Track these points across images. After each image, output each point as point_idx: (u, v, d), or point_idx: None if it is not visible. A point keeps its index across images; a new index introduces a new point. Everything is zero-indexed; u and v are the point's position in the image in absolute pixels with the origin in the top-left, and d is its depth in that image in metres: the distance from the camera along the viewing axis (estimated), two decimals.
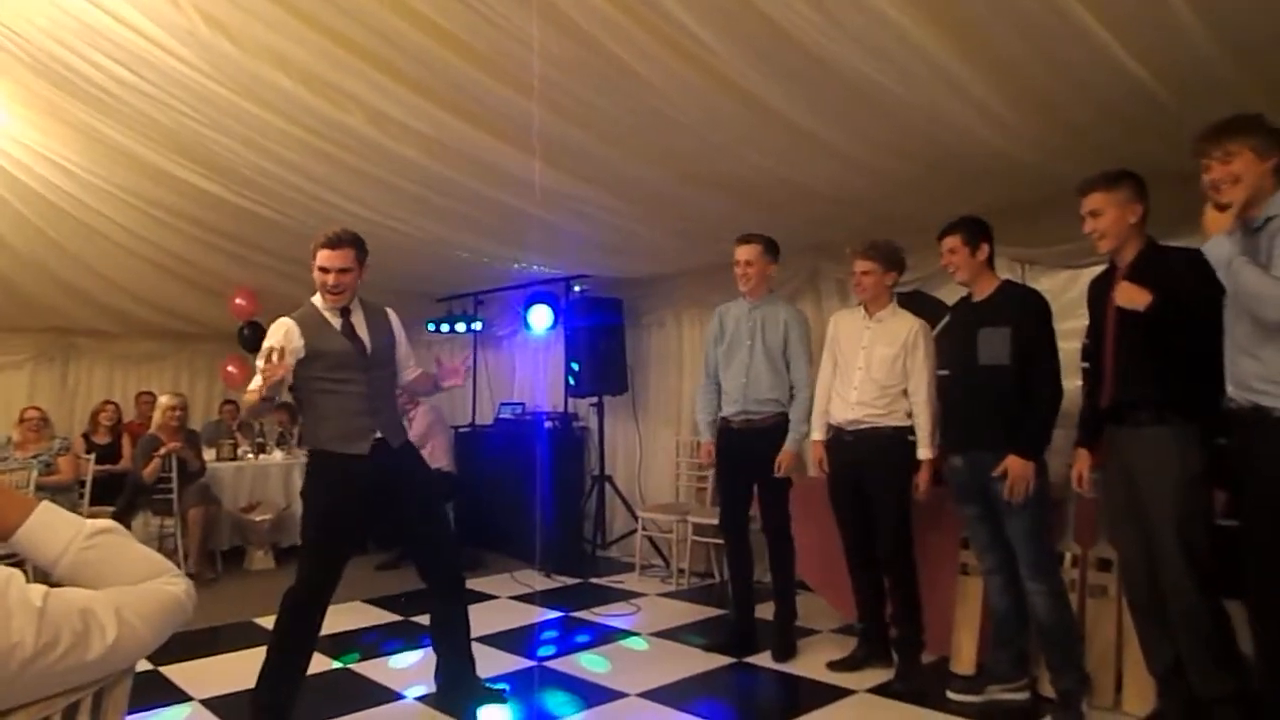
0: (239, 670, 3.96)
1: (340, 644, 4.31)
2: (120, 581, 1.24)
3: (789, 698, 3.68)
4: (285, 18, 3.03)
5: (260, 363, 3.07)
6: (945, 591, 3.87)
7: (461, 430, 7.44)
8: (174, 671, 3.92)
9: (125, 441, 6.81)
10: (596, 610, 5.03)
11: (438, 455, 6.43)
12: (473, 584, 5.69)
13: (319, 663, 3.89)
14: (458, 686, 3.55)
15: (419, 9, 2.86)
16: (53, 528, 1.26)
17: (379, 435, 3.29)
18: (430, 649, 3.62)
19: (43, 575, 1.26)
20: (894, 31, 2.72)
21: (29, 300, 7.21)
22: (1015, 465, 3.18)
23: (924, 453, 3.65)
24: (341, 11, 2.95)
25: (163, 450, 5.88)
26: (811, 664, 3.95)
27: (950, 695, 3.47)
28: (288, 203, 4.87)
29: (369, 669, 4.00)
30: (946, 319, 3.80)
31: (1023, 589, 3.31)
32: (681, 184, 4.28)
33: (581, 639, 4.50)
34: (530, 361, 7.61)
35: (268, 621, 4.75)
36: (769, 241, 4.12)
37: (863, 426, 3.74)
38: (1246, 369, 2.47)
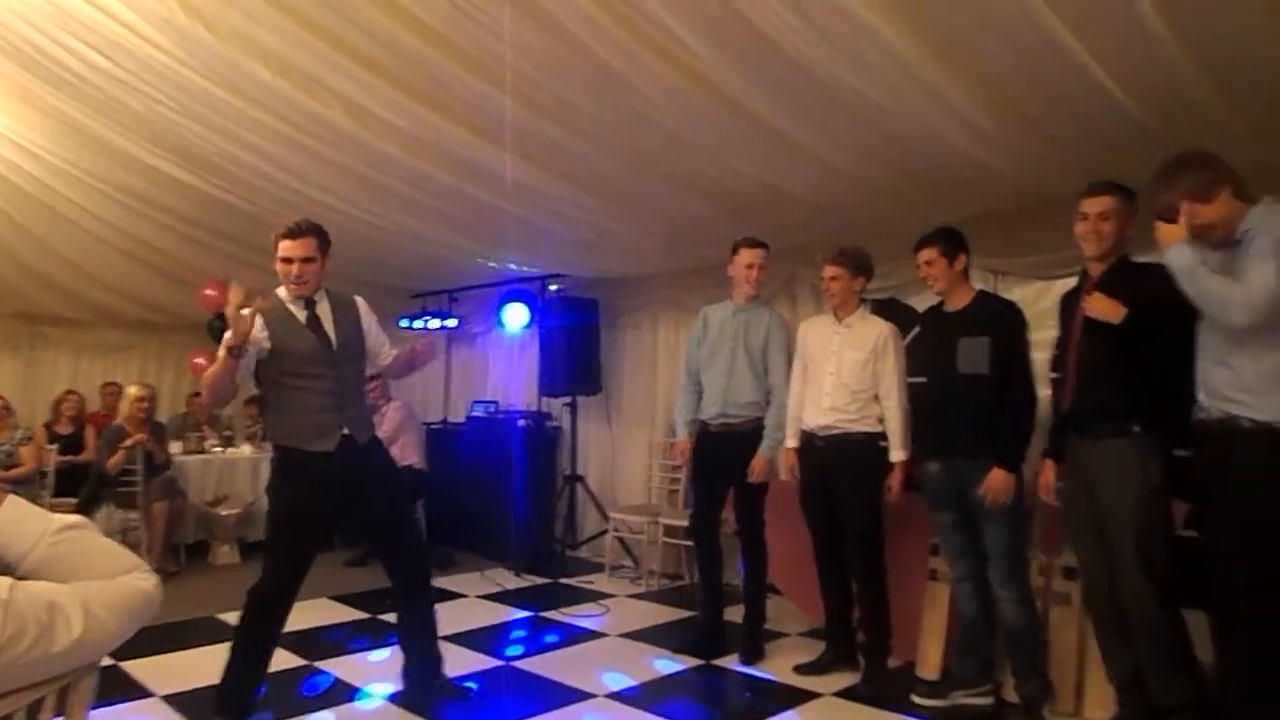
0: (202, 666, 3.91)
1: (307, 641, 4.27)
2: (88, 576, 1.23)
3: (756, 700, 3.70)
4: (264, 8, 3.01)
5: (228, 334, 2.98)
6: (913, 597, 3.91)
7: (433, 427, 7.40)
8: (136, 667, 3.87)
9: (89, 432, 6.71)
10: (566, 610, 5.02)
11: (408, 452, 6.39)
12: (442, 582, 5.69)
13: (285, 660, 3.87)
14: (425, 685, 3.53)
15: (399, 3, 2.84)
16: (20, 522, 1.24)
17: (345, 432, 3.24)
18: (397, 647, 3.60)
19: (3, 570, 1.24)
20: (877, 41, 2.75)
21: None
22: (997, 477, 3.22)
23: (896, 455, 3.68)
24: (321, 3, 2.93)
25: (128, 442, 5.80)
26: (779, 667, 3.97)
27: (915, 699, 3.50)
28: (262, 194, 4.82)
29: (335, 666, 3.97)
30: (918, 328, 3.83)
31: (991, 596, 3.35)
32: (660, 185, 4.29)
33: (550, 639, 4.49)
34: (504, 360, 7.59)
35: (232, 617, 4.67)
36: (766, 247, 4.15)
37: (834, 432, 3.77)
38: (1219, 378, 2.51)
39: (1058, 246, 4.07)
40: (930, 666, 3.78)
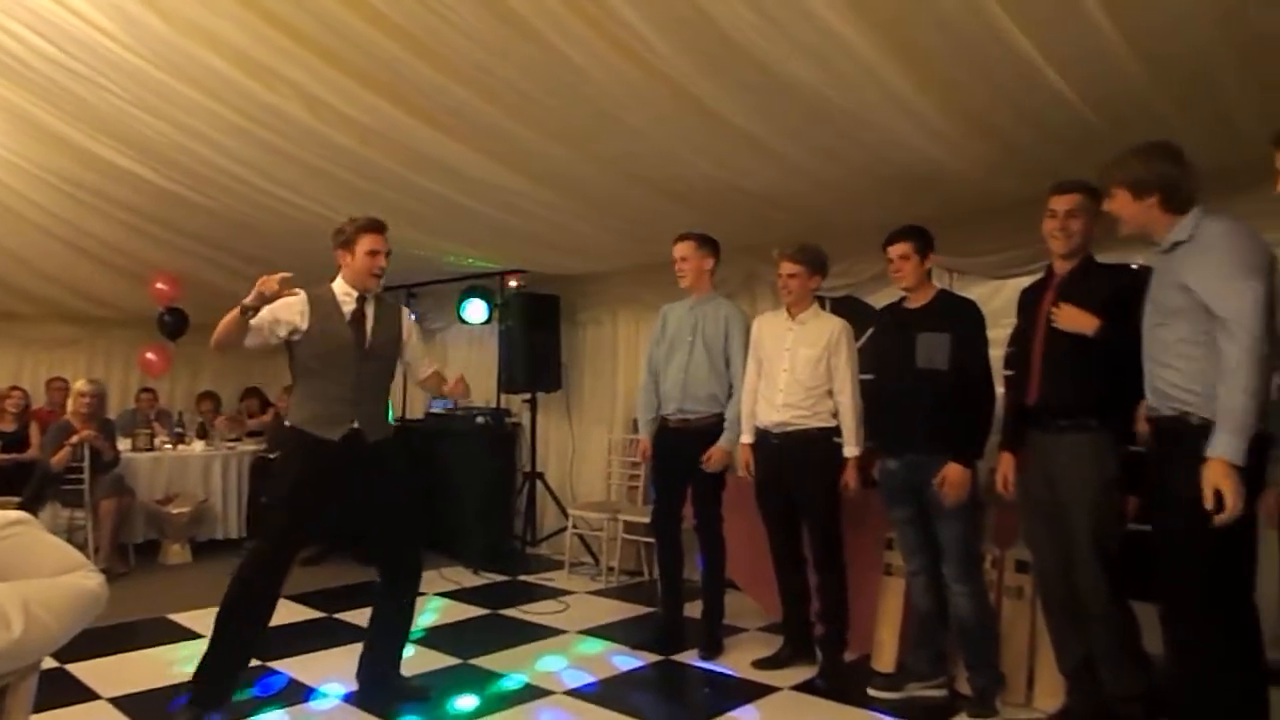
0: (150, 668, 3.85)
1: (261, 641, 4.19)
2: (31, 575, 1.20)
3: (715, 695, 3.71)
4: None
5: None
6: (869, 591, 3.95)
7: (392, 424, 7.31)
8: (82, 669, 3.77)
9: (33, 429, 6.52)
10: (525, 608, 5.00)
11: None
12: None
13: None
14: (381, 685, 3.50)
15: None
16: None
17: (355, 426, 3.29)
18: (355, 646, 3.56)
19: None
20: (839, 43, 2.78)
21: None
22: (954, 472, 3.26)
23: (850, 450, 3.72)
24: None
25: (75, 438, 5.65)
26: (738, 661, 3.99)
27: (871, 692, 3.55)
28: (216, 186, 4.73)
29: (290, 666, 3.91)
30: (873, 328, 3.87)
31: (945, 590, 3.41)
32: (622, 182, 4.29)
33: (509, 636, 4.47)
34: (463, 356, 7.53)
35: (183, 617, 4.63)
36: (703, 237, 4.15)
37: (789, 429, 3.80)
38: (1165, 378, 2.57)
39: (1012, 247, 4.15)
40: (886, 660, 3.83)
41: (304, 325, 3.26)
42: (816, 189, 4.19)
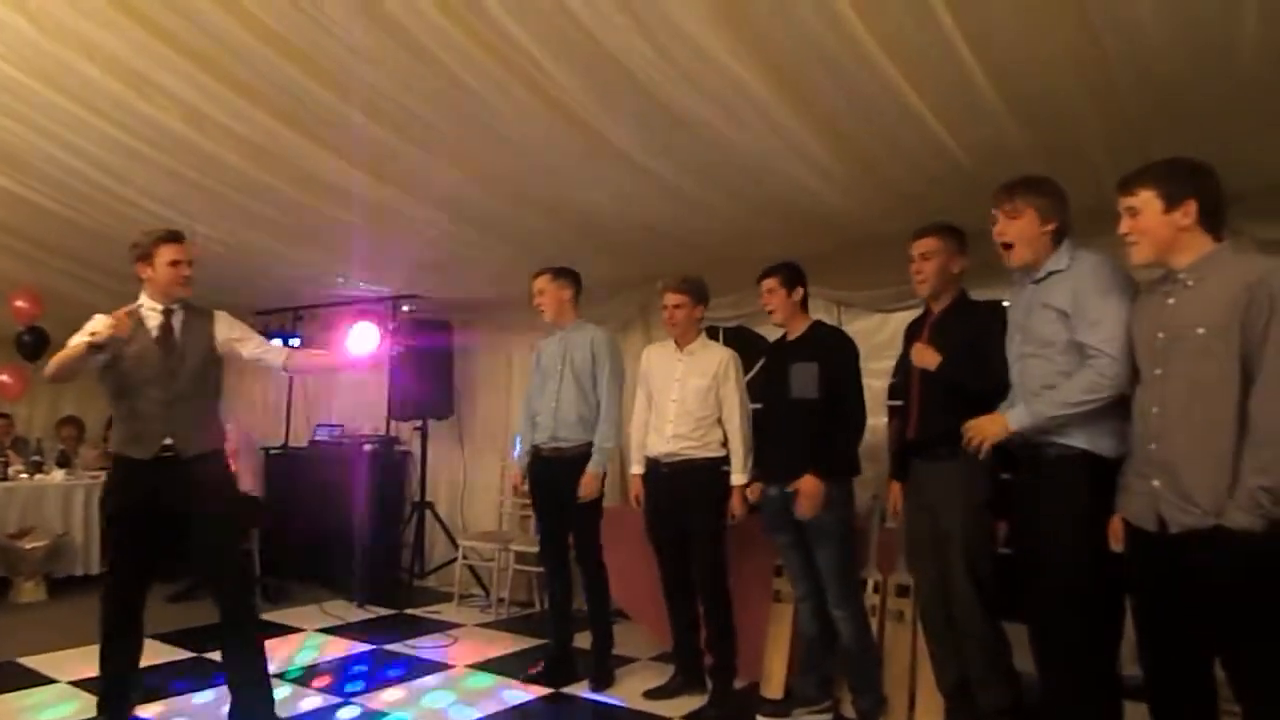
0: (4, 715, 3.56)
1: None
2: None
3: None
4: (94, 1, 2.80)
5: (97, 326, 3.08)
6: (758, 618, 4.01)
7: (273, 452, 7.02)
8: None
9: None
10: (411, 643, 4.86)
11: (244, 478, 6.03)
12: (277, 616, 5.40)
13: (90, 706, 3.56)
14: None
15: (245, 5, 2.70)
16: None
17: (168, 442, 3.24)
18: (225, 687, 3.38)
19: None
20: (726, 76, 2.85)
21: None
22: (807, 483, 3.36)
23: (737, 478, 3.79)
24: (159, 1, 2.75)
25: None
26: (629, 692, 3.97)
27: (760, 719, 3.58)
28: (87, 201, 4.47)
29: (157, 711, 3.67)
30: (764, 358, 3.97)
31: (829, 615, 3.48)
32: (515, 208, 4.27)
33: (393, 673, 4.32)
34: (351, 381, 7.30)
35: (35, 661, 4.30)
36: (558, 270, 4.21)
37: (678, 459, 3.84)
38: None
39: (898, 282, 4.32)
40: (775, 686, 3.88)
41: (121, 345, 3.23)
42: (708, 221, 4.27)
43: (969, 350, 2.96)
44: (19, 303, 6.40)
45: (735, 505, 3.78)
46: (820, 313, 4.15)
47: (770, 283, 3.62)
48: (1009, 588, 2.94)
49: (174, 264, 3.32)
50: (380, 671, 4.35)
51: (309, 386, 7.56)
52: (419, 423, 6.52)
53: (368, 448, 6.52)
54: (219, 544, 3.37)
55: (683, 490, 3.82)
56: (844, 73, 2.78)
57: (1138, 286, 2.55)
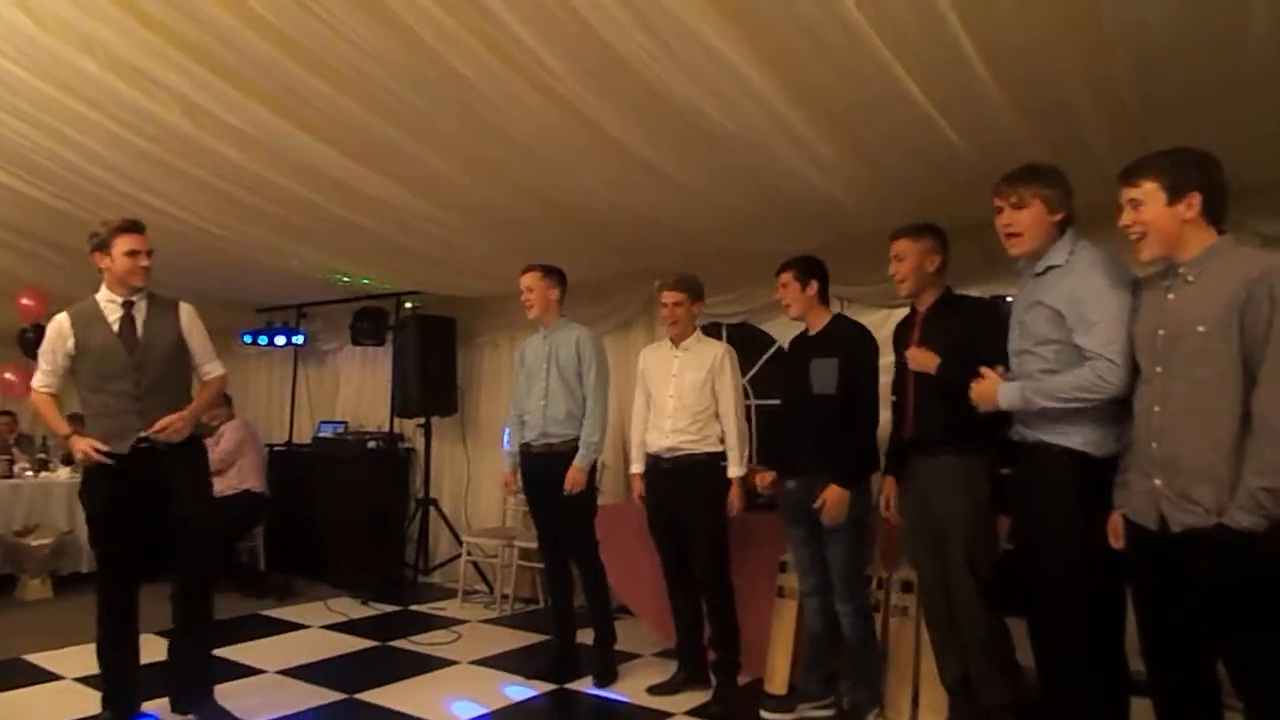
0: (11, 713, 3.57)
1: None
2: None
3: None
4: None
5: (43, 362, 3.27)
6: (762, 614, 4.00)
7: (277, 449, 7.04)
8: None
9: None
10: (415, 639, 4.86)
11: (248, 475, 6.05)
12: (282, 613, 5.41)
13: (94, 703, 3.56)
14: (189, 704, 3.50)
15: (248, 2, 2.70)
16: None
17: (143, 434, 3.26)
18: (226, 685, 3.44)
19: None
20: (728, 69, 2.83)
21: None
22: (832, 494, 3.34)
23: (734, 470, 3.79)
24: None
25: None
26: (632, 688, 3.97)
27: (763, 714, 3.58)
28: (89, 197, 4.46)
29: (160, 707, 3.67)
30: (776, 345, 3.96)
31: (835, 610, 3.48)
32: (518, 203, 4.26)
33: (398, 669, 4.32)
34: (356, 379, 7.32)
35: (41, 658, 4.31)
36: (548, 268, 4.21)
37: (679, 453, 3.84)
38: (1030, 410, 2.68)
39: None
40: (778, 682, 3.87)
41: (70, 344, 3.29)
42: (712, 215, 4.26)
43: (960, 350, 2.94)
44: (25, 300, 6.43)
45: (733, 498, 3.78)
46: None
47: (785, 277, 3.61)
48: (1012, 583, 2.92)
49: (131, 254, 3.31)
50: (384, 667, 4.35)
51: (312, 383, 7.57)
52: (422, 419, 6.52)
53: (371, 445, 6.53)
54: (195, 529, 3.39)
55: (683, 485, 3.82)
56: (843, 63, 2.76)
57: (1137, 281, 2.51)
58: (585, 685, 4.03)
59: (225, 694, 3.66)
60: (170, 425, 3.29)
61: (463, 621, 5.29)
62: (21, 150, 4.00)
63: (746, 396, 4.66)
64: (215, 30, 2.87)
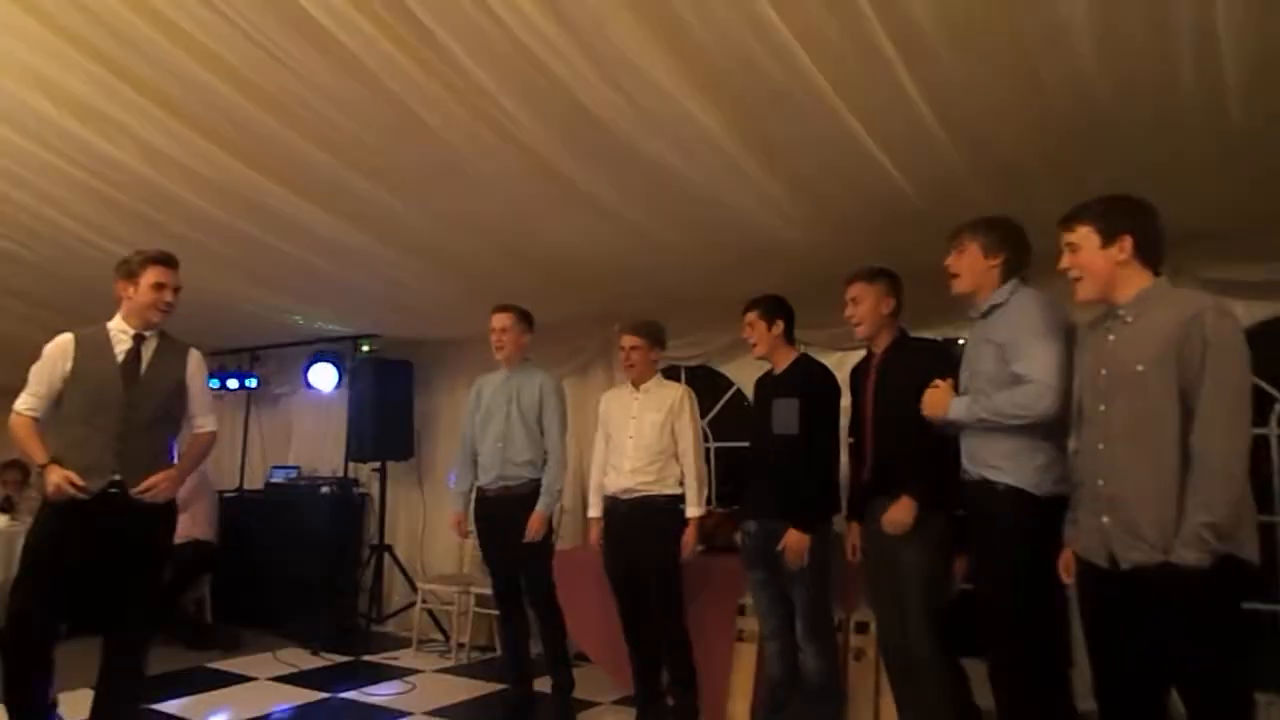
0: None
1: None
2: None
3: None
4: (49, 37, 2.76)
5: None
6: (720, 658, 3.96)
7: (228, 495, 6.87)
8: None
9: None
10: (368, 690, 4.73)
11: (199, 522, 5.90)
12: (229, 665, 5.24)
13: None
14: None
15: (201, 40, 2.68)
16: None
17: (117, 477, 3.12)
18: None
19: None
20: (682, 114, 2.88)
21: None
22: (792, 538, 3.34)
23: (692, 511, 3.79)
24: (115, 37, 2.72)
25: None
26: None
27: None
28: (38, 239, 4.39)
29: None
30: (725, 398, 3.99)
31: (797, 653, 3.46)
32: (476, 246, 4.27)
33: None
34: (309, 423, 7.19)
35: None
36: (522, 311, 4.23)
37: (636, 494, 3.84)
38: (977, 447, 2.79)
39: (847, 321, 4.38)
40: None
41: (68, 366, 3.15)
42: (669, 260, 4.31)
43: (917, 391, 2.99)
44: None
45: (689, 539, 3.77)
46: None
47: (750, 315, 3.65)
48: (969, 624, 2.95)
49: (158, 286, 3.24)
50: None
51: (265, 427, 7.43)
52: (377, 464, 6.42)
53: (325, 490, 6.41)
54: (145, 591, 3.25)
55: (640, 526, 3.81)
56: (800, 114, 2.84)
57: (1074, 325, 2.66)
58: None
59: None
60: (157, 486, 3.17)
61: (417, 671, 5.17)
62: None
63: (706, 439, 4.67)
64: (175, 72, 2.86)
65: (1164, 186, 2.67)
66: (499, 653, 5.49)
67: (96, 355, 3.18)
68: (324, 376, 6.56)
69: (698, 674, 3.81)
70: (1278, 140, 2.83)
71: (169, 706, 4.25)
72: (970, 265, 2.88)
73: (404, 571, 6.28)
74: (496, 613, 5.24)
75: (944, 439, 2.93)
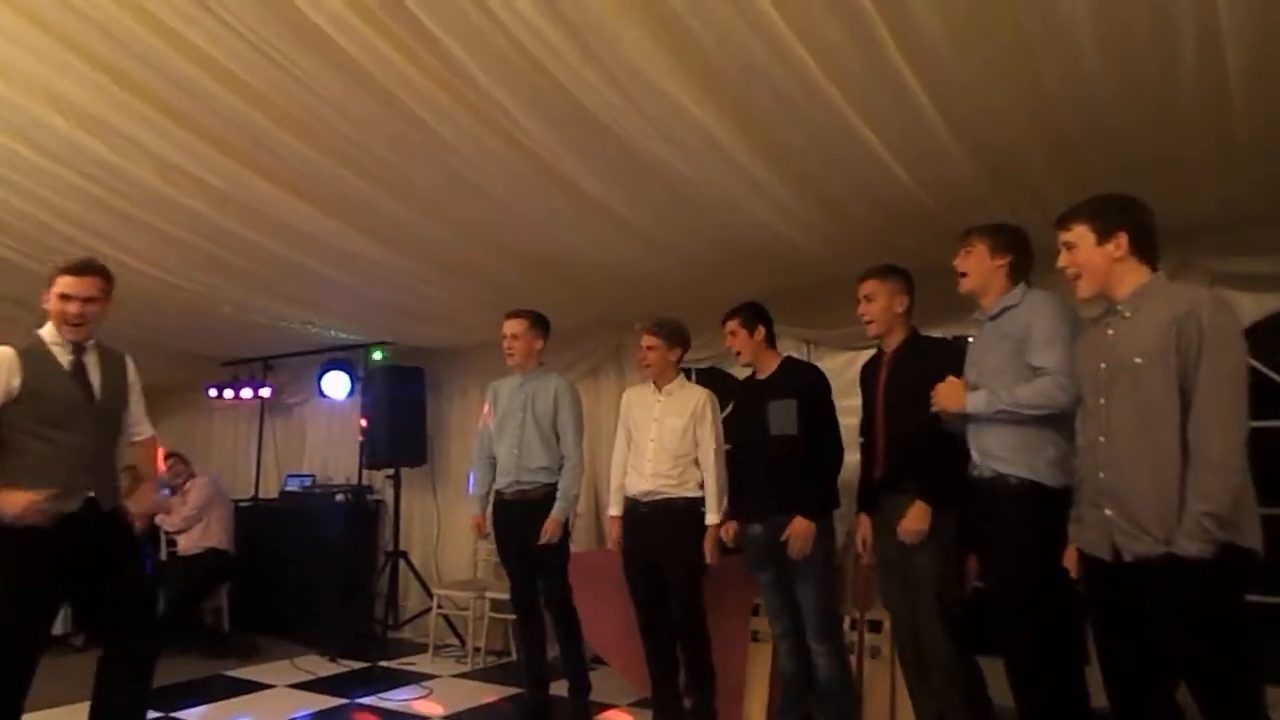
0: None
1: None
2: None
3: None
4: (60, 52, 2.80)
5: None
6: (736, 659, 3.98)
7: (243, 505, 6.91)
8: None
9: None
10: (385, 695, 4.76)
11: (214, 532, 5.95)
12: (247, 673, 5.27)
13: None
14: None
15: (212, 55, 2.73)
16: None
17: (91, 495, 2.98)
18: None
19: None
20: (696, 127, 2.94)
21: None
22: (798, 525, 3.38)
23: (712, 518, 3.78)
24: (125, 50, 2.76)
25: None
26: None
27: None
28: (55, 253, 4.34)
29: None
30: (733, 402, 3.99)
31: (809, 652, 3.47)
32: (486, 253, 4.31)
33: None
34: (323, 431, 7.25)
35: None
36: (536, 316, 4.23)
37: (657, 498, 3.84)
38: (988, 440, 2.80)
39: (859, 320, 4.40)
40: None
41: (15, 384, 2.89)
42: (677, 263, 4.34)
43: (928, 389, 3.00)
44: None
45: (709, 546, 3.76)
46: (791, 351, 4.20)
47: (731, 325, 3.69)
48: (983, 621, 2.95)
49: (63, 298, 2.98)
50: None
51: (279, 436, 7.49)
52: (391, 471, 6.47)
53: (340, 498, 6.45)
54: (134, 594, 3.17)
55: (661, 529, 3.80)
56: (804, 116, 2.87)
57: (1083, 322, 2.67)
58: None
59: None
60: (155, 507, 3.08)
61: (435, 676, 5.20)
62: None
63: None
64: (184, 84, 2.91)
65: (1169, 186, 2.69)
66: (514, 657, 5.53)
67: (44, 372, 2.97)
68: (337, 385, 6.61)
69: (715, 674, 3.82)
70: None
71: (188, 715, 4.29)
72: (978, 265, 2.91)
73: (419, 577, 6.31)
74: (511, 617, 5.28)
75: (952, 437, 2.94)
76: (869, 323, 3.33)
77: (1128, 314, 2.36)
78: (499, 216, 3.84)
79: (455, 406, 6.61)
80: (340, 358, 6.68)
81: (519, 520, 4.08)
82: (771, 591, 3.58)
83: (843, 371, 4.53)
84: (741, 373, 3.99)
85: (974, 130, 2.93)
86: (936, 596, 3.03)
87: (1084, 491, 2.45)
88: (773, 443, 3.52)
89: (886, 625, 3.59)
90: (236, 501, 6.78)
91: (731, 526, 3.71)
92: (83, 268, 3.04)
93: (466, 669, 5.39)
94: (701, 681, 3.80)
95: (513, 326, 4.18)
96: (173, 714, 4.33)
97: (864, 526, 3.38)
